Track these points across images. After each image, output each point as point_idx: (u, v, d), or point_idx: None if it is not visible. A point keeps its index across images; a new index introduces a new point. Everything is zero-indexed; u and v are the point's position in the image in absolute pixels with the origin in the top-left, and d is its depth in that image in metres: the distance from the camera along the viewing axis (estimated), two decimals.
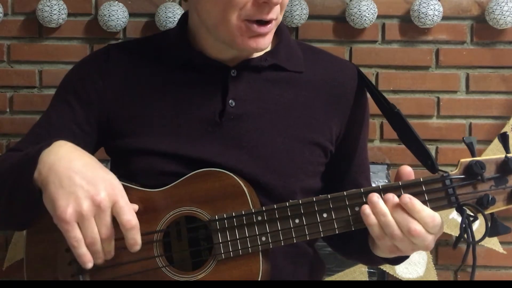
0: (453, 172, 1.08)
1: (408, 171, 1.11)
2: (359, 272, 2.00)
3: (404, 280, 2.00)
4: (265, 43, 1.18)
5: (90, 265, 1.08)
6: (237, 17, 1.15)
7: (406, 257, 1.22)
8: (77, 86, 1.28)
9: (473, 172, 1.06)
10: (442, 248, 2.08)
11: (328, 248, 1.47)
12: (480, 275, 2.07)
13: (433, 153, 2.08)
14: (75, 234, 1.06)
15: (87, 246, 1.07)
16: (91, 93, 1.27)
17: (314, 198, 1.11)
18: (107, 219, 1.08)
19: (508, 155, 1.07)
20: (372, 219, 1.07)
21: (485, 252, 2.03)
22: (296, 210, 1.11)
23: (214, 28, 1.19)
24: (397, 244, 1.08)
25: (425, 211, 1.05)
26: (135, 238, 1.10)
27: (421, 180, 1.08)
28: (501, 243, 2.02)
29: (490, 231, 1.06)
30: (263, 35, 1.17)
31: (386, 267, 2.00)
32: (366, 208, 1.07)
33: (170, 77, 1.26)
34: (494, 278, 2.07)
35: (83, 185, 1.07)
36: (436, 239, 1.09)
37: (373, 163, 2.02)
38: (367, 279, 1.99)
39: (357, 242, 1.24)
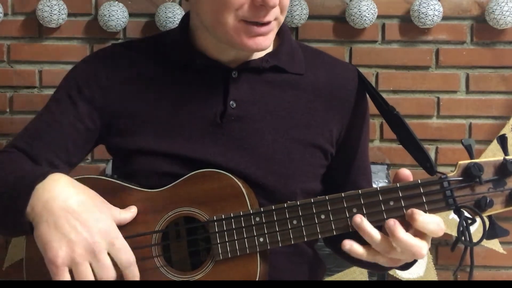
0: (451, 174, 1.08)
1: (407, 174, 1.10)
2: (359, 272, 2.00)
3: (404, 280, 2.00)
4: (266, 43, 1.17)
5: None
6: (234, 18, 1.14)
7: (412, 263, 1.21)
8: (80, 83, 1.28)
9: (471, 174, 1.05)
10: (442, 248, 2.08)
11: (328, 248, 1.47)
12: (480, 275, 2.07)
13: (433, 153, 2.09)
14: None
15: None
16: (94, 91, 1.27)
17: (312, 200, 1.11)
18: (105, 261, 1.06)
19: (507, 157, 1.06)
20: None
21: (485, 252, 2.03)
22: (294, 211, 1.11)
23: (212, 29, 1.18)
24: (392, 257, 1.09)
25: (409, 241, 1.05)
26: (134, 273, 1.09)
27: (419, 182, 1.08)
28: (501, 243, 2.02)
29: (488, 234, 1.06)
30: (263, 34, 1.16)
31: None
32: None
33: (171, 77, 1.26)
34: (494, 278, 2.07)
35: (77, 227, 1.05)
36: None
37: (373, 163, 2.02)
38: (367, 279, 2.00)
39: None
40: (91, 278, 1.05)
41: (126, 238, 1.11)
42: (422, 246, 1.05)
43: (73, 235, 1.05)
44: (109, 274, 1.07)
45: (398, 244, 1.04)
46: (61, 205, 1.07)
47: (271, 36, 1.19)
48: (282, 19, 1.20)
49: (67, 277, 1.04)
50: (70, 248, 1.04)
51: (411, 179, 1.10)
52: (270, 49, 1.28)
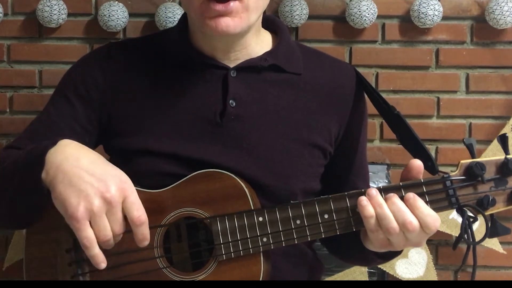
0: (454, 173, 1.09)
1: (419, 165, 1.11)
2: (359, 272, 1.99)
3: (404, 280, 2.00)
4: (228, 25, 1.15)
5: (103, 265, 1.07)
6: None
7: (398, 253, 1.21)
8: (77, 83, 1.28)
9: (473, 173, 1.07)
10: (442, 248, 2.08)
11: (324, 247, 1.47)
12: (480, 275, 2.07)
13: (433, 153, 2.09)
14: (87, 234, 1.05)
15: (100, 243, 1.06)
16: (91, 91, 1.26)
17: (315, 199, 1.12)
18: (119, 214, 1.07)
19: (508, 156, 1.08)
20: (368, 210, 1.07)
21: (485, 252, 2.03)
22: (297, 210, 1.12)
23: (189, 17, 1.19)
24: (390, 238, 1.08)
25: (427, 210, 1.06)
26: (144, 234, 1.09)
27: (422, 181, 1.09)
28: (501, 243, 2.02)
29: (490, 232, 1.07)
30: (223, 14, 1.14)
31: (386, 267, 2.00)
32: (363, 200, 1.08)
33: (170, 77, 1.26)
34: (494, 278, 2.07)
35: (93, 182, 1.06)
36: (428, 236, 1.09)
37: (373, 163, 2.02)
38: (367, 279, 1.99)
39: (349, 237, 1.22)
40: (109, 231, 1.06)
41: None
42: (436, 218, 1.07)
43: (90, 189, 1.06)
44: (120, 229, 1.08)
45: (417, 214, 1.06)
46: (74, 164, 1.08)
47: (238, 19, 1.16)
48: (249, 1, 1.16)
49: (89, 230, 1.05)
50: (88, 202, 1.05)
51: (422, 169, 1.10)
52: (269, 48, 1.29)
